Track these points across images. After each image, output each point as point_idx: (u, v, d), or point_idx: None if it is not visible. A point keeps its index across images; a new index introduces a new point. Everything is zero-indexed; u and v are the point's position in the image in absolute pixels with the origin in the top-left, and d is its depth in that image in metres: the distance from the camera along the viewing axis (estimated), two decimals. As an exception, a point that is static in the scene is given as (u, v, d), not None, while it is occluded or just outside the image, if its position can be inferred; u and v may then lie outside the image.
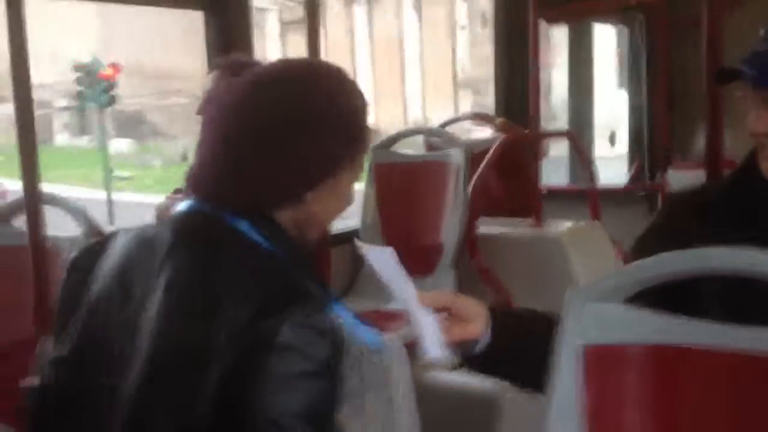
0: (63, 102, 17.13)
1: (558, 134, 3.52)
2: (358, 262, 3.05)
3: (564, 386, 1.12)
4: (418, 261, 2.94)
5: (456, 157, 2.96)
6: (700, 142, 3.41)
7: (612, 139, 4.72)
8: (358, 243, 1.24)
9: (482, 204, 2.86)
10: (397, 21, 20.84)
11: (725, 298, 1.21)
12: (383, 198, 3.06)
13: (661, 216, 1.44)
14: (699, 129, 3.32)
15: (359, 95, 1.16)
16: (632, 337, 1.09)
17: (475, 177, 2.83)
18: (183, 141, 17.08)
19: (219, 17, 2.56)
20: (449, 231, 2.85)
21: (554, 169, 4.26)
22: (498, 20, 3.85)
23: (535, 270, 2.81)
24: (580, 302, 1.13)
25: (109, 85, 15.07)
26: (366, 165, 3.16)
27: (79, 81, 14.99)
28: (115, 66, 15.28)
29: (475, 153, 3.03)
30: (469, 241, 2.75)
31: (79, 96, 15.65)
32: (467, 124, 4.24)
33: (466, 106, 18.37)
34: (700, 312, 1.18)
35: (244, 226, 1.04)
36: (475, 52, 19.40)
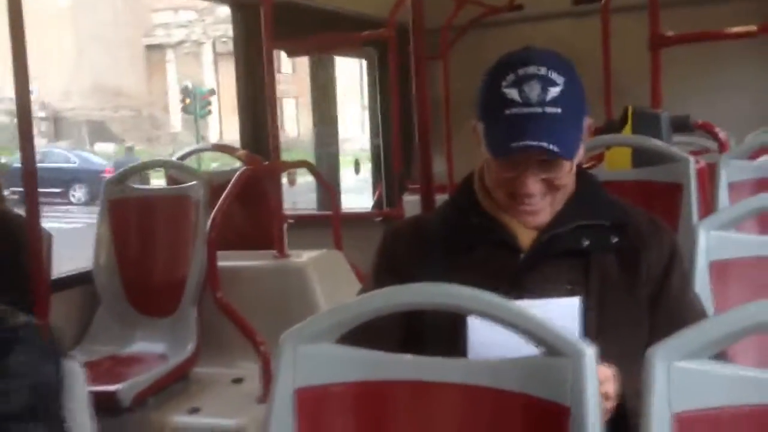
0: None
1: (296, 164, 3.58)
2: (92, 304, 2.86)
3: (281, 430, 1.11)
4: (159, 300, 2.82)
5: (195, 190, 2.89)
6: (434, 168, 3.64)
7: (357, 167, 4.91)
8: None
9: (226, 237, 2.81)
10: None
11: (445, 332, 1.28)
12: (118, 236, 2.91)
13: (377, 254, 1.47)
14: (432, 155, 3.53)
15: None
16: (338, 376, 1.11)
17: (214, 210, 2.77)
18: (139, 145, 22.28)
19: None
20: (190, 267, 2.77)
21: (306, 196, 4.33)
22: (237, 51, 3.83)
23: (278, 302, 2.81)
24: (291, 345, 1.13)
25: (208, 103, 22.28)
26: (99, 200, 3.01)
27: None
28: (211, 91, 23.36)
29: (216, 185, 2.98)
30: (210, 276, 2.68)
31: (184, 109, 22.46)
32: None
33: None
34: (426, 347, 1.24)
35: None
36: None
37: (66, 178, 16.87)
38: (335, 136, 4.78)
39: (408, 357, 1.09)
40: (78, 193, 17.33)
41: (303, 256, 2.97)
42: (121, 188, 2.99)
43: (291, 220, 3.47)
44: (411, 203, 3.54)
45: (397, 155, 3.60)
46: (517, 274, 1.34)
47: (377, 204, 4.29)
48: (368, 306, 1.11)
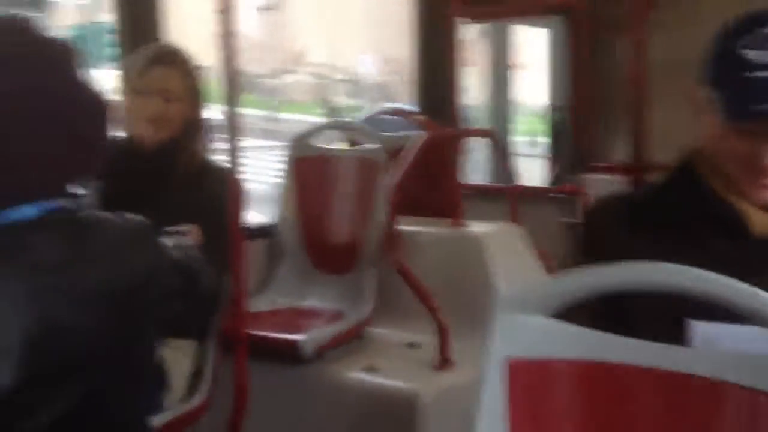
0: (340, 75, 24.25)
1: (479, 133, 3.52)
2: (275, 256, 2.97)
3: (491, 399, 1.08)
4: (337, 258, 2.88)
5: (377, 153, 2.91)
6: (619, 146, 3.47)
7: (532, 141, 4.77)
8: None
9: (402, 202, 2.82)
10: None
11: (660, 323, 1.19)
12: (301, 192, 2.98)
13: (585, 231, 1.41)
14: (619, 133, 3.37)
15: None
16: (558, 352, 1.06)
17: (396, 174, 2.78)
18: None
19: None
20: (369, 228, 2.80)
21: (473, 167, 4.27)
22: (418, 15, 3.82)
23: (453, 270, 2.79)
24: (506, 313, 1.09)
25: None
26: (285, 158, 3.10)
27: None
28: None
29: (393, 149, 2.99)
30: (390, 239, 2.70)
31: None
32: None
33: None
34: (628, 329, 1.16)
35: None
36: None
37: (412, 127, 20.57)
38: (509, 107, 4.67)
39: (644, 342, 1.02)
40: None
41: (480, 227, 2.93)
42: (305, 147, 3.06)
43: (465, 190, 3.43)
44: (593, 182, 3.41)
45: (584, 131, 3.46)
46: (746, 262, 1.21)
47: (555, 180, 4.16)
48: (601, 280, 1.04)
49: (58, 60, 1.11)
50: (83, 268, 1.06)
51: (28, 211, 1.06)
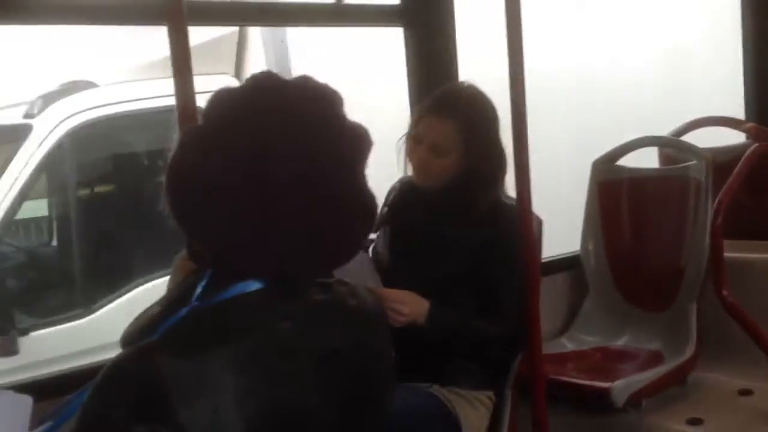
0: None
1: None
2: (579, 291, 2.74)
3: None
4: (653, 292, 2.58)
5: (696, 169, 2.55)
6: None
7: None
8: None
9: (729, 224, 2.43)
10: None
11: None
12: (608, 220, 2.72)
13: None
14: None
15: None
16: None
17: (721, 193, 2.41)
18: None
19: (420, 33, 2.42)
20: (689, 257, 2.45)
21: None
22: (748, 3, 3.33)
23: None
24: None
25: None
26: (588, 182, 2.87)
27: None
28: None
29: (717, 164, 2.60)
30: (716, 270, 2.34)
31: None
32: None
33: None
34: None
35: None
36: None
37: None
38: None
39: None
40: None
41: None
42: (610, 168, 2.80)
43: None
44: None
45: None
46: None
47: None
48: None
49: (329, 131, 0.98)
50: (313, 349, 0.95)
51: (251, 283, 0.93)
